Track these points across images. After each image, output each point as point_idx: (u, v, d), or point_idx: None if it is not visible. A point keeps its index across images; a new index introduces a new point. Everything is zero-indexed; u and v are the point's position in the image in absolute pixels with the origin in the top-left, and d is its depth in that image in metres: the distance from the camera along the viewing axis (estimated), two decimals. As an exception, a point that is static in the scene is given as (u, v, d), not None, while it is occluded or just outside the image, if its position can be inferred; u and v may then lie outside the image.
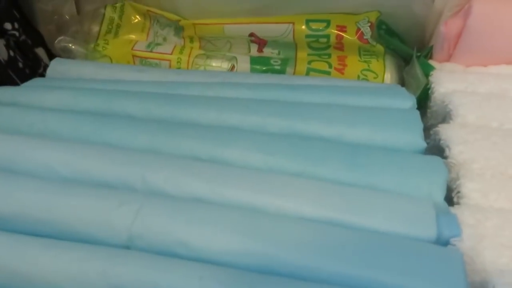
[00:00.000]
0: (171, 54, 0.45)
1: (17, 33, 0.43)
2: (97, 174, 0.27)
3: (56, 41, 0.45)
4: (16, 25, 0.43)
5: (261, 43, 0.45)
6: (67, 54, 0.45)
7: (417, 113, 0.31)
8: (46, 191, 0.25)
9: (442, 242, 0.24)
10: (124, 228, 0.24)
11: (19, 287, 0.23)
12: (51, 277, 0.22)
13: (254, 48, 0.45)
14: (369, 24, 0.42)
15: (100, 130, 0.30)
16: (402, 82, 0.41)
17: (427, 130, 0.32)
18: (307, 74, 0.43)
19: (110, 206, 0.24)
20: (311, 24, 0.43)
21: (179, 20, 0.45)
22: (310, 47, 0.44)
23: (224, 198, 0.26)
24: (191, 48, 0.45)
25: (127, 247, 0.24)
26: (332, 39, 0.43)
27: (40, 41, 0.46)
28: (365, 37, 0.42)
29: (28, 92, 0.35)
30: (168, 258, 0.23)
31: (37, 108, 0.33)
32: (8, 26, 0.43)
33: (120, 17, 0.47)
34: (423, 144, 0.29)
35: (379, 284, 0.21)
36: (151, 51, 0.45)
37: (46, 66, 0.41)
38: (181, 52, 0.45)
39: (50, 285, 0.22)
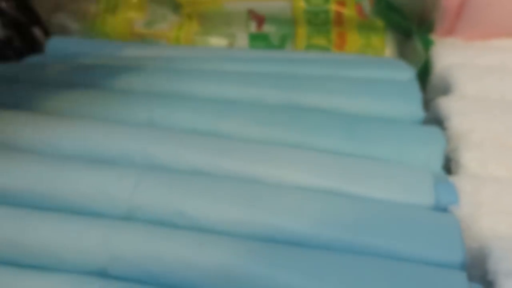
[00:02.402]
0: (170, 31, 0.44)
1: (12, 12, 0.43)
2: (96, 149, 0.27)
3: (52, 19, 0.44)
4: (12, 4, 0.43)
5: (260, 20, 0.44)
6: (64, 32, 0.45)
7: (416, 83, 0.31)
8: (45, 166, 0.25)
9: (440, 209, 0.24)
10: (124, 201, 0.24)
11: (20, 258, 0.23)
12: (52, 247, 0.22)
13: (253, 25, 0.45)
14: (368, -1, 0.42)
15: (99, 105, 0.30)
16: (402, 57, 0.41)
17: (427, 105, 0.32)
18: (307, 50, 0.43)
19: (110, 179, 0.24)
20: (310, -1, 0.42)
21: (177, -3, 0.45)
22: (309, 23, 0.43)
23: (223, 169, 0.26)
24: (190, 25, 0.45)
25: (127, 219, 0.24)
26: (332, 15, 0.42)
27: (36, 19, 0.46)
28: (364, 12, 0.42)
29: (26, 70, 0.35)
30: (168, 227, 0.23)
31: (35, 84, 0.33)
32: (3, 4, 0.42)
33: (118, -5, 0.47)
34: (421, 114, 0.29)
35: (377, 249, 0.21)
36: (149, 29, 0.45)
37: (42, 45, 0.40)
38: (179, 29, 0.44)
39: (51, 256, 0.23)
